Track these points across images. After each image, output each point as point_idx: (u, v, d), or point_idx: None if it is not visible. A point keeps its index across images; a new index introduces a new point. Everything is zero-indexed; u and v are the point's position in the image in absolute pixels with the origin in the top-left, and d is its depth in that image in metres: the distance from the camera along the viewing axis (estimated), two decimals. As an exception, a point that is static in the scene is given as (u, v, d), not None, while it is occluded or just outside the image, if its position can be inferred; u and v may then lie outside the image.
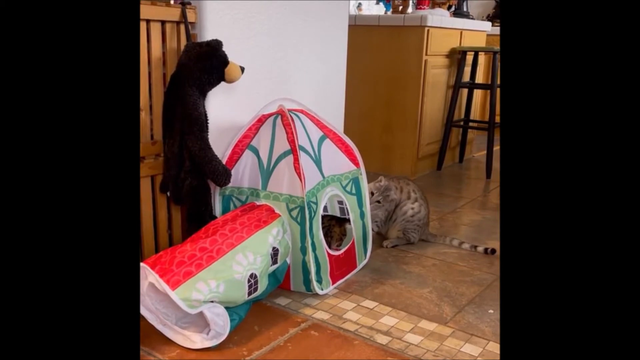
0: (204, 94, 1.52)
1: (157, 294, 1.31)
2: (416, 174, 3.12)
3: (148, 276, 1.26)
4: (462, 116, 3.43)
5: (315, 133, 1.69)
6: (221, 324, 1.29)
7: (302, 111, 1.70)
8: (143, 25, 1.45)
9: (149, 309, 1.31)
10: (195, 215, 1.56)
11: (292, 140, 1.55)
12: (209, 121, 1.53)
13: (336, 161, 1.73)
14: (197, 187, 1.52)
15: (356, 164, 1.80)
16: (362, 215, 1.81)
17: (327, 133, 1.73)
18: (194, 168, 1.50)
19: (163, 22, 1.51)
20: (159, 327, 1.33)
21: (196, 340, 1.30)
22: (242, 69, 1.57)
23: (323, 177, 1.65)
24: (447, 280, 1.75)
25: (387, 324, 1.46)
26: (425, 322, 1.48)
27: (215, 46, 1.48)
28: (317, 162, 1.64)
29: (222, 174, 1.52)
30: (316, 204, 1.57)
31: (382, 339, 1.39)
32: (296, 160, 1.53)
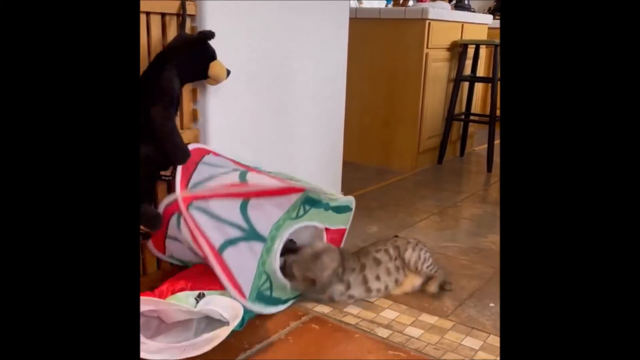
0: (182, 79, 1.46)
1: (157, 329, 1.31)
2: (416, 168, 3.12)
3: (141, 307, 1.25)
4: (463, 110, 3.42)
5: (234, 204, 1.39)
6: (226, 314, 1.28)
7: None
8: (143, 18, 1.44)
9: (159, 349, 1.24)
10: (144, 189, 1.43)
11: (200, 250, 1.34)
12: (179, 104, 1.46)
13: (272, 213, 1.45)
14: (152, 159, 1.38)
15: (296, 191, 1.48)
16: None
17: (249, 193, 1.41)
18: (153, 139, 1.38)
19: (163, 15, 1.50)
20: (183, 356, 1.23)
21: (220, 334, 1.24)
22: (228, 72, 1.55)
23: (265, 240, 1.41)
24: (448, 273, 1.75)
25: (388, 317, 1.46)
26: (426, 316, 1.48)
27: (206, 35, 1.47)
28: (251, 234, 1.39)
29: (181, 149, 1.41)
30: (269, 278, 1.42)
31: (383, 333, 1.39)
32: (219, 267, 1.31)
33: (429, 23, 2.90)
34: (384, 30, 3.01)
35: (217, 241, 1.35)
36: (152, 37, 1.48)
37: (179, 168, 1.41)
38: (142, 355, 1.21)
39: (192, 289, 1.34)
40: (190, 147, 1.46)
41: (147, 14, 1.45)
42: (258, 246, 1.39)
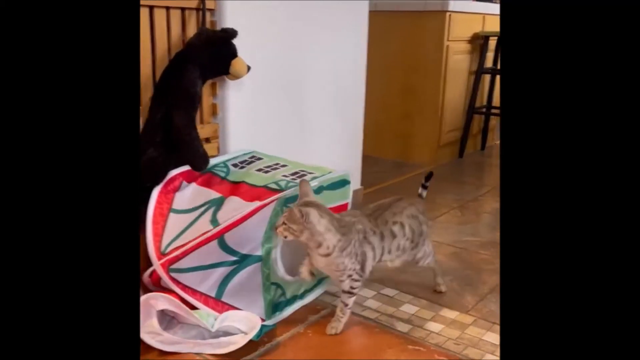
0: (204, 79, 1.47)
1: (170, 322, 1.32)
2: (437, 161, 3.09)
3: (157, 304, 1.26)
4: (484, 103, 3.38)
5: (211, 246, 1.31)
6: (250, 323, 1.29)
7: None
8: (163, 13, 1.45)
9: (175, 342, 1.26)
10: (139, 190, 1.40)
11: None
12: (200, 102, 1.46)
13: (255, 231, 1.34)
14: (156, 159, 1.39)
15: (270, 200, 1.35)
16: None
17: (221, 231, 1.31)
18: (164, 142, 1.40)
19: (183, 9, 1.50)
20: (195, 350, 1.25)
21: (237, 340, 1.26)
22: (249, 68, 1.55)
23: (260, 256, 1.35)
24: (469, 268, 1.74)
25: (408, 312, 1.46)
26: (447, 311, 1.47)
27: (230, 33, 1.47)
28: (243, 260, 1.34)
29: (201, 157, 1.43)
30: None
31: (403, 327, 1.38)
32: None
33: (450, 15, 2.87)
34: (403, 22, 2.98)
35: (212, 289, 1.33)
36: (172, 33, 1.49)
37: (149, 224, 1.36)
38: (159, 346, 1.24)
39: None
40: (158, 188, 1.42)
41: (167, 8, 1.46)
42: (255, 267, 1.35)
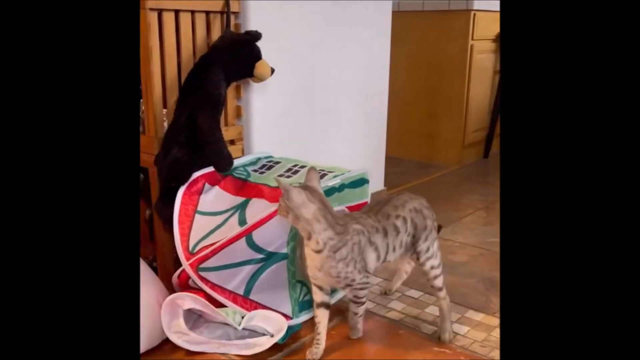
0: (228, 82, 1.48)
1: (197, 321, 1.33)
2: (461, 162, 3.07)
3: (184, 303, 1.28)
4: (510, 102, 3.33)
5: (239, 244, 1.33)
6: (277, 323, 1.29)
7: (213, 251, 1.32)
8: (188, 17, 1.47)
9: (201, 342, 1.28)
10: (165, 190, 1.43)
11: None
12: (224, 105, 1.46)
13: (281, 228, 1.36)
14: (180, 159, 1.40)
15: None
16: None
17: (248, 229, 1.33)
18: (188, 142, 1.41)
19: (207, 13, 1.52)
20: (221, 350, 1.26)
21: (263, 342, 1.27)
22: (273, 70, 1.55)
23: (286, 254, 1.37)
24: (495, 270, 1.72)
25: (433, 313, 1.45)
26: (472, 312, 1.46)
27: (254, 36, 1.48)
28: (270, 258, 1.38)
29: (225, 158, 1.43)
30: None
31: (428, 329, 1.37)
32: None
33: (474, 14, 2.84)
34: (427, 22, 2.97)
35: (240, 287, 1.35)
36: (197, 37, 1.51)
37: (175, 225, 1.37)
38: (185, 345, 1.25)
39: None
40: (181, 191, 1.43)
41: (192, 12, 1.47)
42: (282, 264, 1.37)
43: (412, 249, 1.30)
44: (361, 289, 1.24)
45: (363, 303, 1.27)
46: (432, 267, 1.32)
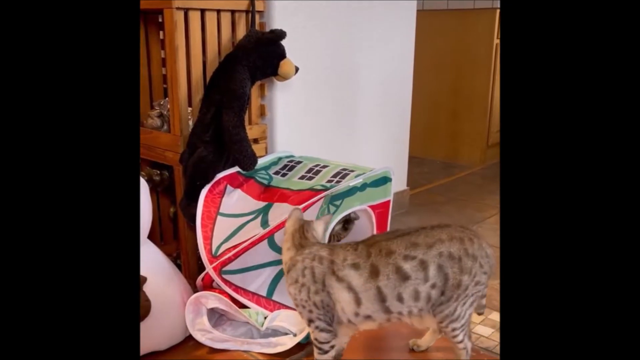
0: (253, 80, 1.48)
1: (220, 319, 1.34)
2: (485, 162, 3.03)
3: (208, 302, 1.29)
4: (535, 102, 3.29)
5: (261, 246, 1.34)
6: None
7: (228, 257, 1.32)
8: (213, 16, 1.48)
9: (224, 340, 1.29)
10: (190, 188, 1.44)
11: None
12: (248, 103, 1.47)
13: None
14: (205, 158, 1.40)
15: (317, 199, 1.38)
16: None
17: (270, 231, 1.34)
18: (213, 141, 1.41)
19: (233, 12, 1.53)
20: (244, 347, 1.28)
21: (285, 342, 1.28)
22: (297, 69, 1.55)
23: None
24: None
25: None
26: (496, 314, 1.44)
27: (279, 35, 1.48)
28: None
29: (249, 157, 1.43)
30: None
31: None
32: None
33: (500, 12, 2.81)
34: (452, 21, 2.94)
35: (262, 289, 1.36)
36: (222, 35, 1.51)
37: (198, 227, 1.39)
38: (209, 343, 1.27)
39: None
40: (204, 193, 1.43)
41: (218, 11, 1.48)
42: None
43: (435, 309, 1.04)
44: (321, 329, 1.06)
45: (325, 352, 1.07)
46: (454, 329, 1.07)
